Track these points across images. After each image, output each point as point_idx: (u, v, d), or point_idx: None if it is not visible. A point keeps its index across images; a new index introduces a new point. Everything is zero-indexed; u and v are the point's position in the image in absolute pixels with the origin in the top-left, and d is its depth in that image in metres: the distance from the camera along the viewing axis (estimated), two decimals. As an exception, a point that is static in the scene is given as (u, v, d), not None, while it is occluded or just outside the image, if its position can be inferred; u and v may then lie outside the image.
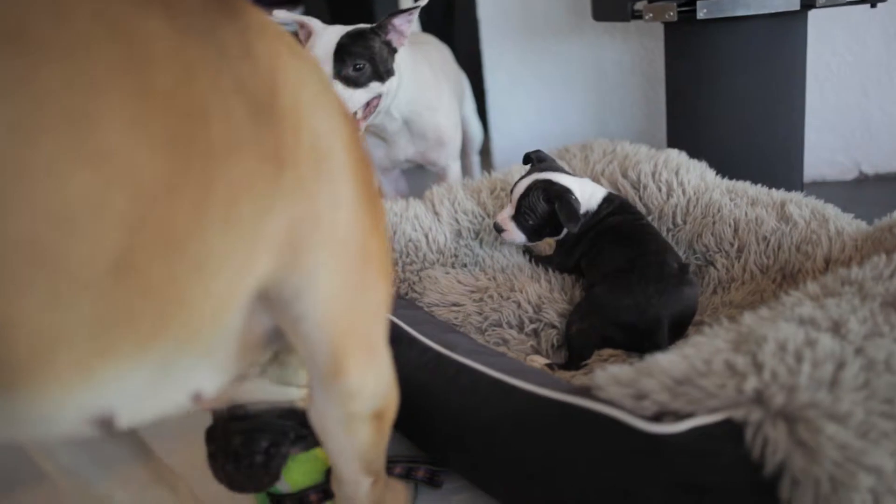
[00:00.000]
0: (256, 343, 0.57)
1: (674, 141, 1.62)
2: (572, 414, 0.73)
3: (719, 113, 1.53)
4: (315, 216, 0.54)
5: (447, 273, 1.27)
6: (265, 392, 0.74)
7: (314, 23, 1.38)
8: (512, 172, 1.47)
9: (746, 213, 1.21)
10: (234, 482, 0.76)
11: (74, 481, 0.65)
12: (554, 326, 1.13)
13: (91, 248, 0.39)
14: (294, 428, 0.78)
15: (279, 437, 0.77)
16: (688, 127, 1.60)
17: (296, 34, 1.40)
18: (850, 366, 0.64)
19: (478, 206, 1.40)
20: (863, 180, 1.96)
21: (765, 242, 1.16)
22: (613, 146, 1.48)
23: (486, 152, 2.24)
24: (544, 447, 0.76)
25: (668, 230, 1.29)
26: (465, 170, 2.00)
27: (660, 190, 1.31)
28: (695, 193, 1.29)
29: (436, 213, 1.38)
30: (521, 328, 1.13)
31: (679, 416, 0.65)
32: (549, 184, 1.15)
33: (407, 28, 1.38)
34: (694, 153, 1.41)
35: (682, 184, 1.30)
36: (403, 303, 1.18)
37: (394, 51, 1.38)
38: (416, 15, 1.37)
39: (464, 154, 1.95)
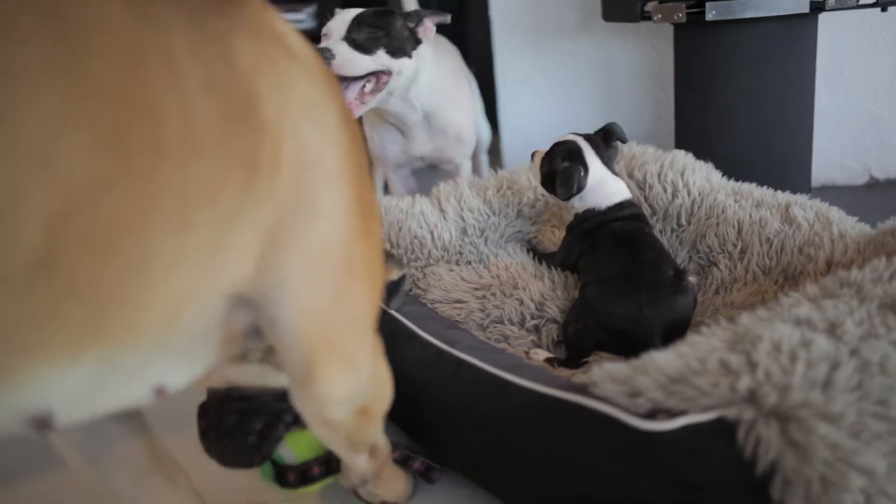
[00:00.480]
0: (236, 337, 0.56)
1: (682, 142, 1.61)
2: (567, 410, 0.73)
3: (728, 115, 1.53)
4: (290, 225, 0.52)
5: (451, 270, 1.27)
6: (266, 377, 0.74)
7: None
8: (518, 171, 1.47)
9: (751, 215, 1.20)
10: (224, 458, 0.77)
11: (88, 472, 0.67)
12: (555, 321, 1.13)
13: (8, 245, 0.36)
14: (290, 410, 0.78)
15: (274, 420, 0.77)
16: (696, 128, 1.59)
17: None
18: (845, 367, 0.64)
19: (483, 204, 1.40)
20: (873, 185, 1.95)
21: (768, 244, 1.16)
22: (621, 146, 1.48)
23: (496, 151, 2.24)
24: (540, 443, 0.76)
25: (673, 230, 1.29)
26: (474, 168, 2.00)
27: (665, 190, 1.31)
28: (700, 194, 1.29)
29: (441, 211, 1.38)
30: (522, 324, 1.14)
31: (672, 414, 0.65)
32: (577, 151, 1.17)
33: (432, 32, 1.43)
34: (702, 155, 1.40)
35: (688, 185, 1.30)
36: (407, 299, 1.19)
37: (418, 40, 1.41)
38: (442, 21, 1.43)
39: (473, 153, 1.96)
